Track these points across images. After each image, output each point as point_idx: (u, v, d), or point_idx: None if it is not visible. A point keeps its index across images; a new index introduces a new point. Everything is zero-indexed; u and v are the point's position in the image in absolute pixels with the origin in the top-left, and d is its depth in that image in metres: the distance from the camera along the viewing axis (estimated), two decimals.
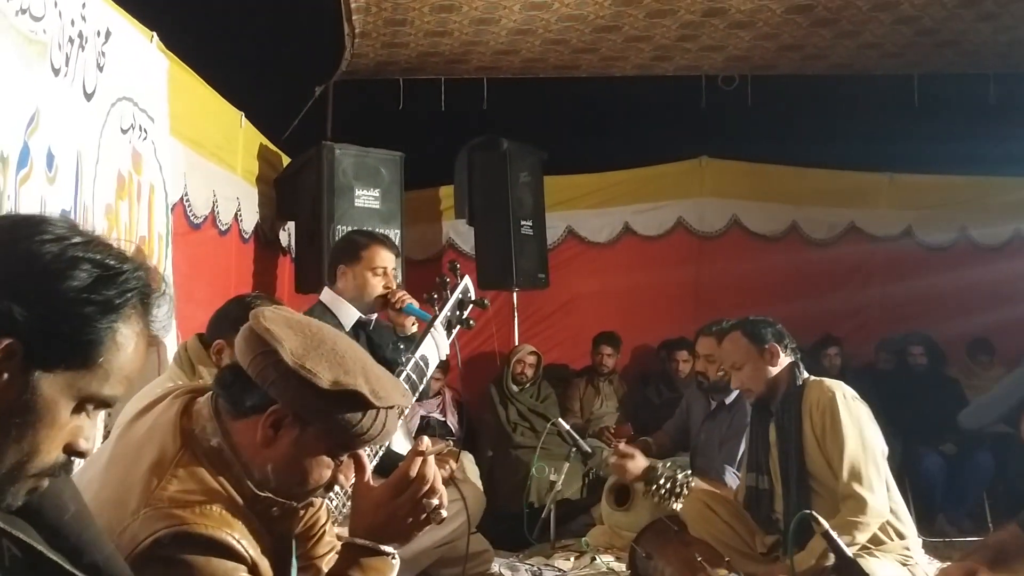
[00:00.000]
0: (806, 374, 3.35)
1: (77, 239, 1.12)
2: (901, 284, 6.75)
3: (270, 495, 1.59)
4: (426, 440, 1.74)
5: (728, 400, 4.45)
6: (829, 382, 3.29)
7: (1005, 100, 6.51)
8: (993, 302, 6.48)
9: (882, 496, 3.07)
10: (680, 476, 3.88)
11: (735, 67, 6.41)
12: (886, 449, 3.25)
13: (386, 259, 3.54)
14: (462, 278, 2.52)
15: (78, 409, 1.12)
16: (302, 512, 1.73)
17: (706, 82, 6.52)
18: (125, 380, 1.15)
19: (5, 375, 1.05)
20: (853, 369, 6.46)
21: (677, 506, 3.88)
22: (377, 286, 3.49)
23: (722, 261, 6.87)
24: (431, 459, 1.72)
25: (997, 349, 6.45)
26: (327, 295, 3.58)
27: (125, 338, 1.13)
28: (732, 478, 4.20)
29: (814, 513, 1.89)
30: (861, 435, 3.13)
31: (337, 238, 5.18)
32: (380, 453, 2.54)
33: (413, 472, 1.68)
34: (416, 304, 3.48)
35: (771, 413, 3.35)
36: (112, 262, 1.12)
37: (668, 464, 4.00)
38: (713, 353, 4.40)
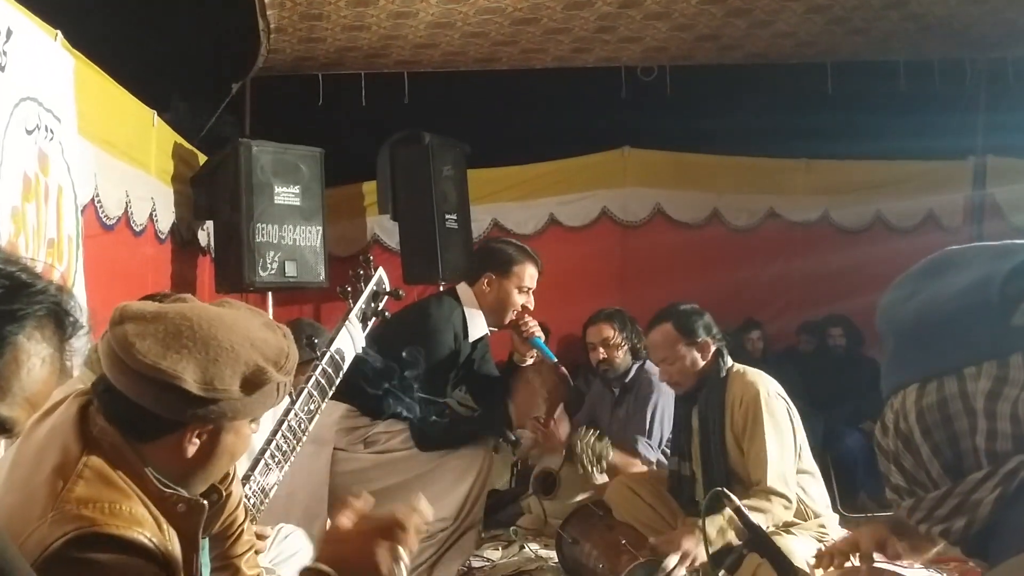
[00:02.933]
0: (730, 362, 3.34)
1: None
2: (820, 267, 6.89)
3: (176, 491, 1.59)
4: (424, 504, 1.63)
5: (627, 380, 4.48)
6: (752, 376, 3.28)
7: (914, 86, 6.68)
8: None
9: (791, 494, 3.13)
10: (601, 442, 3.96)
11: (653, 58, 6.47)
12: (804, 442, 3.28)
13: (533, 278, 3.63)
14: (376, 269, 2.51)
15: None
16: (218, 510, 1.73)
17: (626, 73, 6.58)
18: (26, 404, 1.08)
19: None
20: (775, 352, 6.60)
21: (602, 477, 3.96)
22: (518, 303, 3.59)
23: (647, 249, 6.95)
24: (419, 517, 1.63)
25: None
26: (466, 294, 3.62)
27: (27, 355, 1.06)
28: (644, 447, 4.23)
29: (725, 491, 1.93)
30: (780, 435, 3.15)
31: (258, 236, 5.14)
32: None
33: (408, 524, 1.58)
34: (543, 340, 3.62)
35: (694, 400, 3.37)
36: (24, 276, 1.07)
37: (588, 432, 4.06)
38: (610, 336, 4.44)
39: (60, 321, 1.11)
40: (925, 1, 5.54)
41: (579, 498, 4.10)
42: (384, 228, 6.67)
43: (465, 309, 3.59)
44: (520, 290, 3.61)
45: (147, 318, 1.57)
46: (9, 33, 3.03)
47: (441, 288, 5.59)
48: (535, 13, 5.47)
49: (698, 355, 3.30)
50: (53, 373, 1.12)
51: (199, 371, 1.52)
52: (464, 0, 5.18)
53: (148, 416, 1.55)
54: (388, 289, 2.49)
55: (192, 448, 1.59)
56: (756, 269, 6.85)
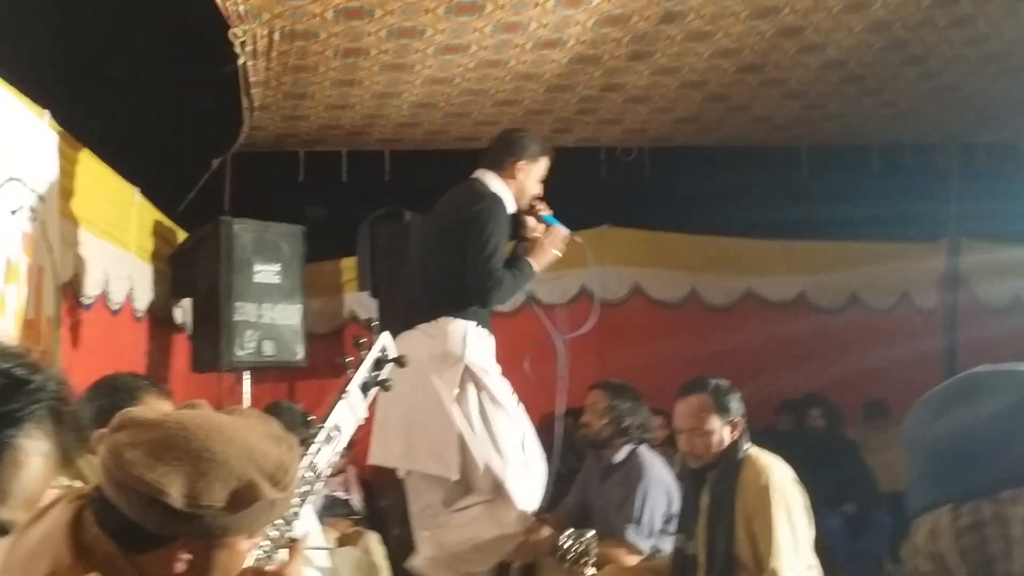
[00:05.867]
0: (747, 444, 3.33)
1: None
2: (798, 347, 6.92)
3: None
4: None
5: (616, 459, 4.40)
6: (765, 461, 3.25)
7: (888, 170, 6.82)
8: (884, 364, 6.69)
9: None
10: (585, 538, 3.87)
11: (633, 139, 6.55)
12: (812, 534, 3.25)
13: (546, 170, 4.00)
14: (378, 336, 2.42)
15: None
16: None
17: (605, 154, 6.65)
18: (26, 504, 1.03)
19: None
20: (754, 432, 6.56)
21: (591, 571, 3.86)
22: (535, 190, 3.95)
23: (625, 328, 6.94)
24: None
25: (892, 411, 6.65)
26: (494, 180, 3.88)
27: (26, 456, 1.01)
28: (633, 535, 4.13)
29: None
30: (792, 524, 3.12)
31: (236, 315, 5.06)
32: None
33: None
34: (553, 216, 3.96)
35: (705, 479, 3.32)
36: (20, 372, 1.02)
37: (569, 532, 3.98)
38: (595, 402, 4.40)
39: (59, 416, 1.06)
40: (898, 89, 5.66)
41: None
42: (362, 305, 6.61)
43: (499, 192, 3.86)
44: (540, 179, 3.97)
45: (144, 426, 1.53)
46: None
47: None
48: (518, 95, 5.53)
49: (728, 432, 3.27)
50: (51, 469, 1.07)
51: (185, 485, 1.47)
52: (448, 82, 5.22)
53: (137, 528, 1.50)
54: (392, 355, 2.40)
55: (181, 564, 1.53)
56: (734, 348, 6.85)
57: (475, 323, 3.77)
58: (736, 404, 3.34)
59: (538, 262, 3.90)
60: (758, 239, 7.22)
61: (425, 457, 3.73)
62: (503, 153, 3.95)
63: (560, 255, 4.00)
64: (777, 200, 6.61)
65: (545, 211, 3.97)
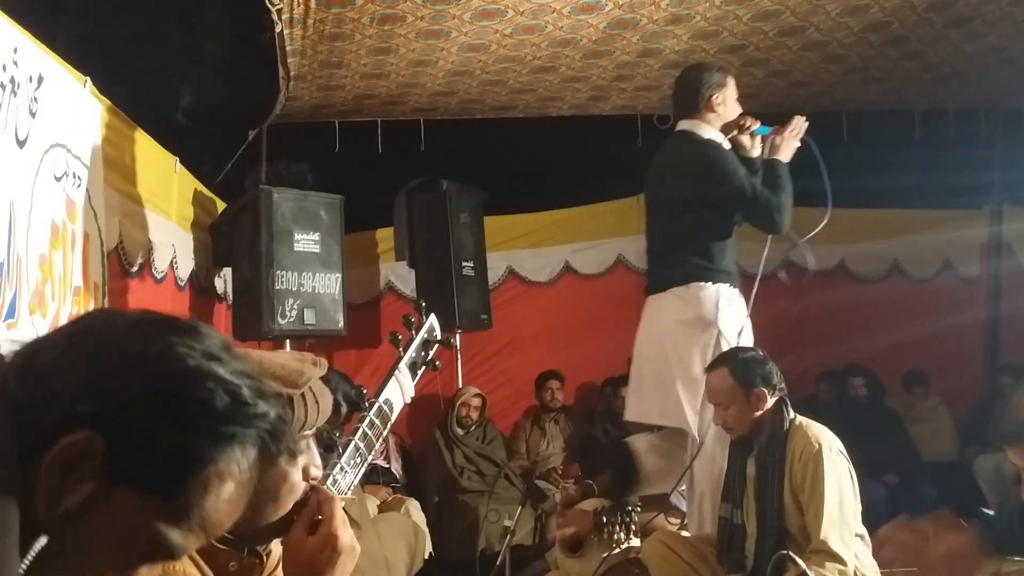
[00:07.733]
0: (792, 414, 3.29)
1: (224, 358, 0.97)
2: (837, 316, 6.84)
3: (230, 543, 1.53)
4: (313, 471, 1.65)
5: None
6: (816, 430, 3.22)
7: (929, 135, 6.69)
8: (925, 333, 6.61)
9: (851, 556, 3.05)
10: (625, 512, 3.86)
11: (669, 106, 6.45)
12: (859, 507, 3.22)
13: (735, 87, 4.01)
14: (427, 317, 2.43)
15: (138, 557, 0.95)
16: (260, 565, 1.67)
17: (641, 121, 6.58)
18: (200, 532, 0.97)
19: (76, 476, 0.89)
20: (793, 401, 6.50)
21: (635, 540, 3.86)
22: (736, 112, 3.93)
23: None
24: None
25: (932, 381, 6.57)
26: (700, 127, 3.89)
27: (220, 481, 0.95)
28: (678, 499, 4.15)
29: (791, 554, 1.86)
30: (840, 493, 3.09)
31: (277, 284, 5.07)
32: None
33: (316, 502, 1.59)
34: (764, 126, 3.94)
35: (751, 448, 3.30)
36: (247, 394, 0.96)
37: (608, 507, 3.97)
38: None
39: (267, 449, 0.99)
40: (942, 52, 5.55)
41: (605, 555, 3.99)
42: (399, 275, 6.62)
43: (703, 134, 3.88)
44: (735, 99, 3.96)
45: None
46: (40, 80, 3.00)
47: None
48: (554, 62, 5.48)
49: (754, 404, 3.23)
50: (237, 507, 0.99)
51: None
52: (484, 49, 5.18)
53: None
54: (440, 338, 2.40)
55: None
56: (774, 317, 6.77)
57: (727, 284, 3.82)
58: (762, 374, 3.27)
59: (784, 157, 3.93)
60: (796, 206, 7.08)
61: (674, 414, 3.75)
62: (692, 96, 3.94)
63: (799, 142, 4.00)
64: (816, 166, 6.49)
65: (755, 124, 3.93)
